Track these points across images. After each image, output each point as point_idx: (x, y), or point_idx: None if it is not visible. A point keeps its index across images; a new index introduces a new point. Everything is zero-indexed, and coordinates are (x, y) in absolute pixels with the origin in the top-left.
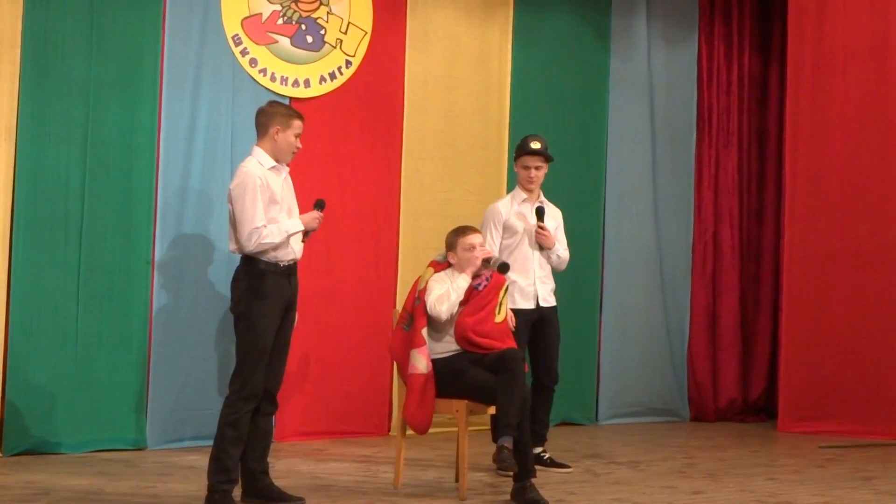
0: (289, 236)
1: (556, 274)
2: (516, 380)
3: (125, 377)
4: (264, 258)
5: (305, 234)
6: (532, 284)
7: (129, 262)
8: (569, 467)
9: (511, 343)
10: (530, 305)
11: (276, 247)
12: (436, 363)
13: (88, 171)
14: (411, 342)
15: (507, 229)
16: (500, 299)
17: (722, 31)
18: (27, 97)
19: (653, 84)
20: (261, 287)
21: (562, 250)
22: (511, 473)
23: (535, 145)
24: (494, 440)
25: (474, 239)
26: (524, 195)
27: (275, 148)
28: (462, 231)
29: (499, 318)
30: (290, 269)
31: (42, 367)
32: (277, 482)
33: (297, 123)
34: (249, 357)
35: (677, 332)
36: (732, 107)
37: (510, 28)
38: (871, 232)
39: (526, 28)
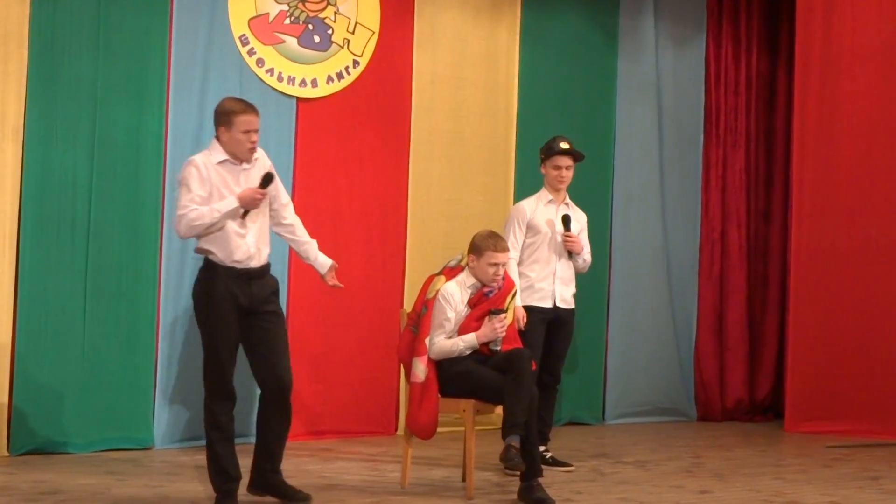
0: (222, 216)
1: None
2: (524, 379)
3: (133, 377)
4: (213, 258)
5: (245, 212)
6: (551, 284)
7: (136, 262)
8: (571, 466)
9: (517, 345)
10: (547, 305)
11: (211, 233)
12: (443, 363)
13: (96, 172)
14: (415, 349)
15: (531, 229)
16: (507, 303)
17: (730, 32)
18: (34, 98)
19: (660, 84)
20: (211, 289)
21: (587, 254)
22: (518, 472)
23: (565, 145)
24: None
25: (500, 258)
26: (550, 196)
27: (226, 144)
28: (493, 242)
29: (507, 322)
30: (250, 273)
31: (49, 367)
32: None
33: (243, 119)
34: (207, 357)
35: (684, 331)
36: (740, 107)
37: (518, 28)
38: (879, 232)
39: (533, 28)
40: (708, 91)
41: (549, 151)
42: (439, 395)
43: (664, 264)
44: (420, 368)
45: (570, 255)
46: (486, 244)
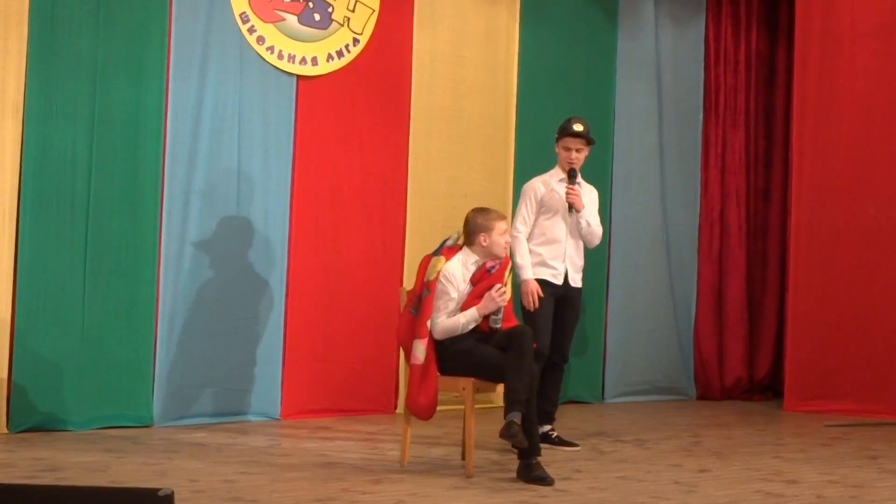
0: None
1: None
2: (525, 356)
3: (132, 354)
4: None
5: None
6: (563, 262)
7: (135, 239)
8: (577, 446)
9: (515, 322)
10: (558, 282)
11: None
12: (444, 342)
13: (95, 149)
14: (416, 331)
15: (543, 205)
16: (505, 278)
17: (729, 10)
18: (34, 75)
19: (660, 63)
20: None
21: (594, 221)
22: (519, 449)
23: (578, 128)
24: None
25: (506, 225)
26: (562, 174)
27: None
28: (495, 214)
29: (506, 296)
30: None
31: (49, 344)
32: (283, 460)
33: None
34: None
35: (683, 310)
36: (739, 86)
37: (517, 6)
38: (878, 211)
39: (533, 6)
40: (707, 70)
41: (562, 132)
42: (438, 376)
43: (663, 243)
44: (420, 350)
45: (570, 209)
46: (491, 218)
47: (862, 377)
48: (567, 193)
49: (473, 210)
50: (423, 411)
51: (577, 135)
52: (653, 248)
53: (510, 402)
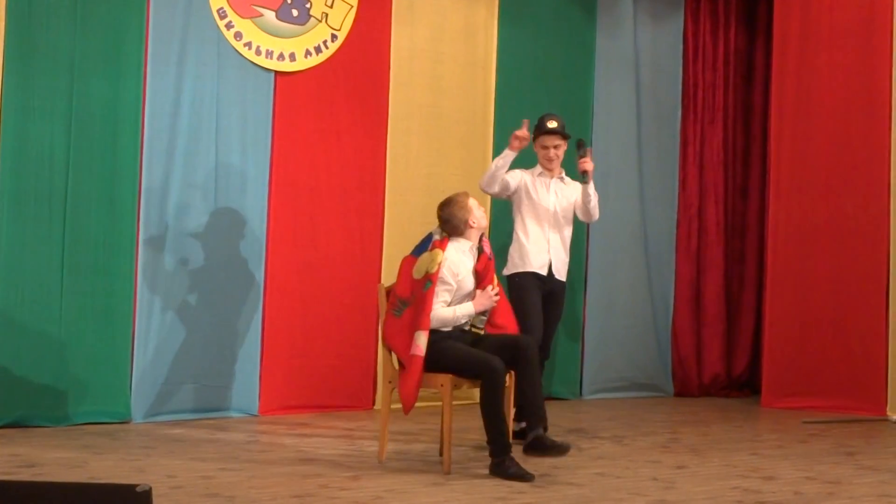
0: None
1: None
2: (536, 367)
3: (110, 351)
4: None
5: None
6: (546, 253)
7: (113, 235)
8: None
9: (510, 316)
10: (543, 272)
11: None
12: (431, 338)
13: (73, 145)
14: (418, 323)
15: (524, 193)
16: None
17: (708, 7)
18: (11, 70)
19: (638, 60)
20: None
21: (594, 199)
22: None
23: (552, 124)
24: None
25: (471, 199)
26: (541, 169)
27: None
28: (460, 196)
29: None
30: None
31: (26, 340)
32: (261, 456)
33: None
34: None
35: (661, 307)
36: (718, 83)
37: (496, 3)
38: (856, 208)
39: (512, 3)
40: (686, 67)
41: (537, 131)
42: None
43: (641, 240)
44: (423, 341)
45: (584, 175)
46: (461, 203)
47: (839, 374)
48: (581, 163)
49: (442, 207)
50: (410, 403)
51: (552, 132)
52: (631, 245)
53: (534, 416)
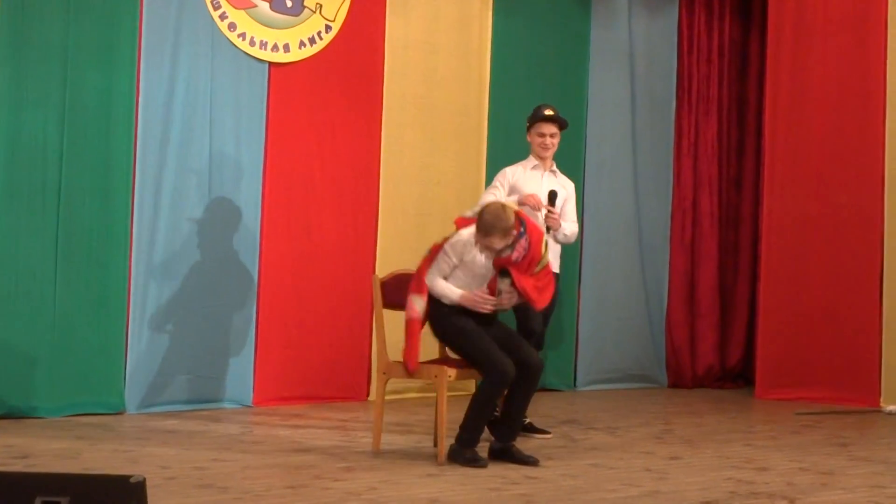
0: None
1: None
2: (533, 391)
3: (103, 341)
4: None
5: None
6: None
7: (107, 226)
8: (549, 433)
9: (552, 289)
10: None
11: None
12: (443, 310)
13: (66, 136)
14: (410, 286)
15: (514, 191)
16: (543, 252)
17: (703, 0)
18: (4, 62)
19: (633, 51)
20: None
21: (568, 228)
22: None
23: (549, 112)
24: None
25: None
26: (535, 162)
27: None
28: (495, 232)
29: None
30: None
31: (20, 331)
32: (255, 447)
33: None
34: None
35: (656, 299)
36: (712, 75)
37: None
38: (850, 199)
39: None
40: (680, 59)
41: (533, 118)
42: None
43: (636, 232)
44: (417, 304)
45: (548, 230)
46: (492, 235)
47: (833, 365)
48: (547, 216)
49: (492, 213)
50: (409, 363)
51: (549, 119)
52: (625, 237)
53: (512, 433)
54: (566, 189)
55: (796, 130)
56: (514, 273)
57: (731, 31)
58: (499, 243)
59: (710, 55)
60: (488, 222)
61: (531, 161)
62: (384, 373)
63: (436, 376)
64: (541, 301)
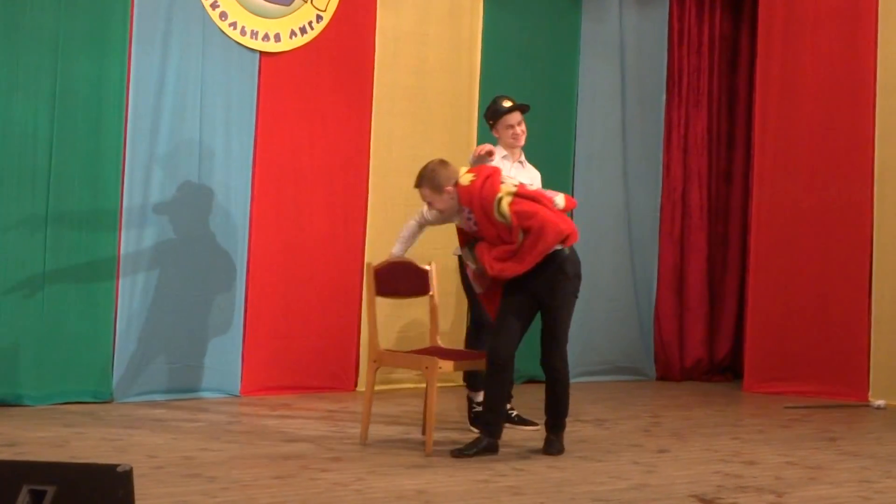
0: None
1: None
2: (553, 389)
3: (92, 330)
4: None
5: None
6: None
7: (96, 215)
8: (536, 425)
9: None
10: None
11: None
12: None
13: (57, 124)
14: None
15: None
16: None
17: None
18: None
19: (623, 44)
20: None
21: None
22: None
23: (508, 103)
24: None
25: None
26: (504, 152)
27: None
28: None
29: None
30: None
31: (8, 319)
32: (242, 437)
33: None
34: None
35: (644, 291)
36: (703, 67)
37: None
38: (840, 193)
39: None
40: (671, 51)
41: (496, 114)
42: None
43: (625, 224)
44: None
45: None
46: (417, 180)
47: (822, 359)
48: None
49: (427, 167)
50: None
51: (511, 110)
52: (614, 229)
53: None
54: (534, 181)
55: (786, 123)
56: (478, 246)
57: (722, 24)
58: (428, 196)
59: (700, 48)
60: (420, 173)
61: (500, 151)
62: (374, 361)
63: (426, 367)
64: (494, 271)
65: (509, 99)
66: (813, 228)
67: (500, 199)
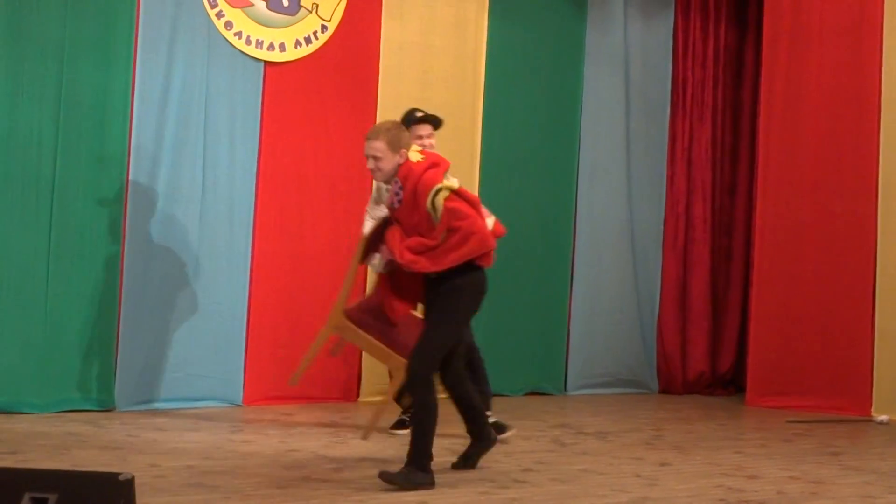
0: None
1: (527, 241)
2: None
3: (94, 338)
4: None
5: None
6: None
7: (100, 222)
8: (511, 429)
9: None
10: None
11: None
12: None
13: (61, 131)
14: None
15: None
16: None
17: (698, 4)
18: (1, 56)
19: (628, 56)
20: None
21: None
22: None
23: (420, 113)
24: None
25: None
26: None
27: None
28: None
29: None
30: None
31: (11, 326)
32: (244, 446)
33: None
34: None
35: (647, 304)
36: (707, 80)
37: None
38: (844, 207)
39: None
40: (675, 63)
41: (406, 124)
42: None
43: (628, 236)
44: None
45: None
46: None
47: (825, 373)
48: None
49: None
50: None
51: (421, 120)
52: (618, 241)
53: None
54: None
55: (791, 136)
56: (389, 230)
57: (727, 37)
58: (381, 150)
59: (705, 60)
60: (378, 126)
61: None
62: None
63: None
64: (405, 260)
65: (420, 111)
66: (817, 242)
67: (439, 190)
